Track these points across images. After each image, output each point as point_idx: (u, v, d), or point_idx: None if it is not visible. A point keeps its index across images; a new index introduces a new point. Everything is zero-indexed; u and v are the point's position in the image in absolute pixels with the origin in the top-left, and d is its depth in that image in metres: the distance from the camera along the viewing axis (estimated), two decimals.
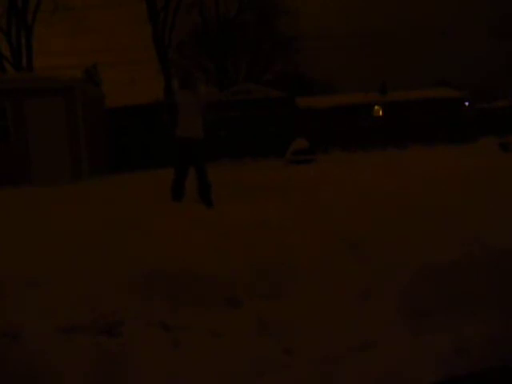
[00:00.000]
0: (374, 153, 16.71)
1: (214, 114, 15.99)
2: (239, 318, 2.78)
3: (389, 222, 4.08)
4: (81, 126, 13.19)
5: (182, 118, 6.30)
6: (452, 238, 3.36)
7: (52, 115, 12.88)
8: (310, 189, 7.13)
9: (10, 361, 2.20)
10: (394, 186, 6.50)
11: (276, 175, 9.91)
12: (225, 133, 18.27)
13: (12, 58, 23.52)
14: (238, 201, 6.01)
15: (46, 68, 25.92)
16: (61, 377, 2.16)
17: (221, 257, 3.39)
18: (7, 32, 23.48)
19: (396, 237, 3.67)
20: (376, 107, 21.65)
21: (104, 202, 7.21)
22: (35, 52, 24.01)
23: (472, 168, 8.27)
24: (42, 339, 2.44)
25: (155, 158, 16.61)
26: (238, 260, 3.33)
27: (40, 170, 12.75)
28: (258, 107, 18.93)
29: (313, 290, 3.04)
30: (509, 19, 27.08)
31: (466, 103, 22.31)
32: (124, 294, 3.05)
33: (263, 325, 2.66)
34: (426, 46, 64.09)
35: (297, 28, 37.90)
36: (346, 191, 6.41)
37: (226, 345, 2.47)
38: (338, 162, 13.11)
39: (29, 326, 2.56)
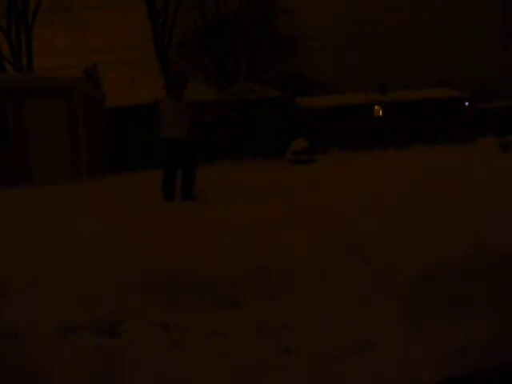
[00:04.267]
0: (373, 153, 16.71)
1: (214, 114, 15.99)
2: (239, 318, 2.78)
3: (389, 222, 4.08)
4: (81, 126, 13.19)
5: (167, 120, 6.34)
6: (452, 238, 3.35)
7: (52, 115, 12.87)
8: (310, 189, 7.13)
9: (10, 361, 2.20)
10: (394, 187, 6.50)
11: (276, 175, 9.91)
12: (225, 133, 18.26)
13: (12, 57, 23.52)
14: (238, 201, 6.02)
15: (46, 68, 25.90)
16: (61, 377, 2.16)
17: (221, 257, 3.39)
18: (7, 32, 23.48)
19: (396, 237, 3.67)
20: (376, 107, 21.66)
21: (104, 201, 7.21)
22: (35, 52, 24.06)
23: (472, 168, 8.27)
24: (41, 339, 2.44)
25: (155, 157, 16.61)
26: (237, 260, 3.33)
27: (40, 170, 12.74)
28: (257, 107, 18.92)
29: (313, 290, 3.04)
30: (509, 19, 27.07)
31: (466, 103, 22.32)
32: (124, 294, 3.05)
33: (263, 325, 2.66)
34: (426, 46, 64.11)
35: (297, 28, 37.97)
36: (346, 191, 6.41)
37: (225, 345, 2.47)
38: (338, 162, 13.11)
39: (29, 326, 2.56)
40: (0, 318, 2.71)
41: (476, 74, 53.43)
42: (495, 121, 23.07)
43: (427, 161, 11.37)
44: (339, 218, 4.41)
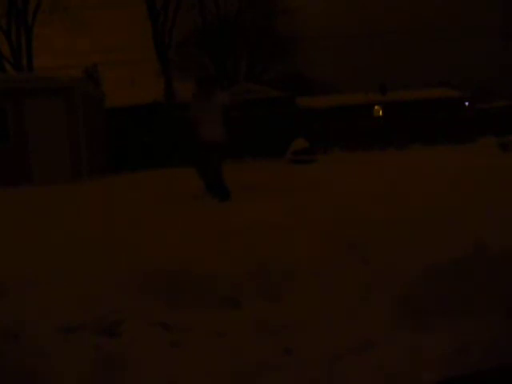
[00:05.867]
0: (373, 153, 16.71)
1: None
2: (239, 318, 2.78)
3: (389, 221, 4.08)
4: (81, 126, 13.18)
5: (201, 122, 6.37)
6: (452, 238, 3.35)
7: (52, 115, 12.86)
8: (310, 189, 7.13)
9: (10, 361, 2.20)
10: (394, 187, 6.49)
11: (276, 175, 9.91)
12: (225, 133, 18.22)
13: (12, 57, 23.54)
14: (237, 201, 6.02)
15: (46, 68, 25.89)
16: (61, 377, 2.16)
17: (221, 257, 3.39)
18: (7, 32, 23.51)
19: (396, 237, 3.67)
20: (376, 107, 21.67)
21: (104, 201, 7.21)
22: (35, 52, 24.08)
23: (472, 168, 8.27)
24: (42, 339, 2.44)
25: (155, 158, 16.63)
26: (238, 260, 3.33)
27: (40, 170, 12.73)
28: (257, 107, 18.91)
29: (313, 290, 3.04)
30: (509, 19, 27.06)
31: (466, 103, 22.33)
32: (124, 294, 3.05)
33: (263, 325, 2.66)
34: (426, 46, 64.10)
35: (297, 28, 37.96)
36: (346, 191, 6.41)
37: (226, 345, 2.47)
38: (338, 162, 13.11)
39: (29, 326, 2.56)
40: (0, 318, 2.71)
41: (476, 74, 53.32)
42: (495, 121, 23.05)
43: (427, 161, 11.36)
44: (339, 217, 4.41)
